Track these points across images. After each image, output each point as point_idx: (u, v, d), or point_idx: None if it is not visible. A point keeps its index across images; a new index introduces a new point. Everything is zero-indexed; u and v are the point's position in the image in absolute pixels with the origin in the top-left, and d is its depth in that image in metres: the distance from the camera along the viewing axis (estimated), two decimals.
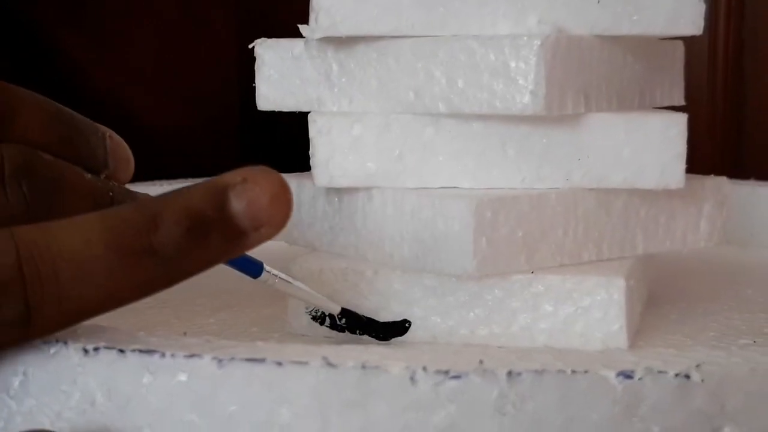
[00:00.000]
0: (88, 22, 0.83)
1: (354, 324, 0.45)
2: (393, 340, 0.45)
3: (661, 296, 0.52)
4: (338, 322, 0.45)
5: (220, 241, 0.33)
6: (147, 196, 0.40)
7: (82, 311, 0.33)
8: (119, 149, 0.42)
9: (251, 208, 0.33)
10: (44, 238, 0.32)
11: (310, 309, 0.46)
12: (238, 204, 0.33)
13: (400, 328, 0.45)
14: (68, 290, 0.32)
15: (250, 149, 0.90)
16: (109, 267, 0.32)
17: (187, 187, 0.33)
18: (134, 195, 0.42)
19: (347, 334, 0.45)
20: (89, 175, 0.40)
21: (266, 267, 0.42)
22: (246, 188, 0.33)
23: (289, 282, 0.43)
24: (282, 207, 0.33)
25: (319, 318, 0.45)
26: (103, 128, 0.42)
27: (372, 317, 0.45)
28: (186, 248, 0.33)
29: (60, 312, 0.32)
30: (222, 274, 0.61)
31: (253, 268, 0.42)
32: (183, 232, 0.32)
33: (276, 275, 0.43)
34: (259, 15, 0.88)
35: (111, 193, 0.40)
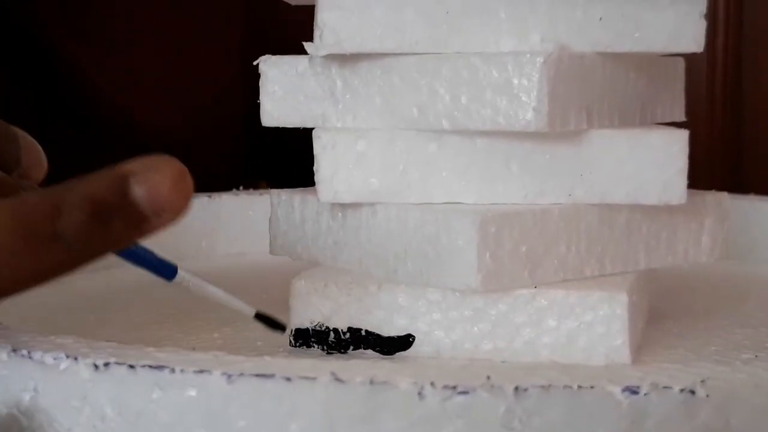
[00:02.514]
0: (94, 31, 0.84)
1: (358, 340, 0.45)
2: (397, 354, 0.45)
3: (663, 311, 0.52)
4: (342, 337, 0.46)
5: (122, 226, 0.34)
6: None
7: None
8: (32, 150, 0.43)
9: (152, 194, 0.34)
10: None
11: (315, 324, 0.46)
12: (139, 190, 0.34)
13: (404, 342, 0.45)
14: None
15: (254, 163, 0.90)
16: (15, 252, 0.33)
17: (91, 175, 0.34)
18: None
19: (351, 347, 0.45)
20: (1, 173, 0.41)
21: (180, 270, 0.43)
22: (147, 175, 0.34)
23: (204, 286, 0.44)
24: (182, 192, 0.34)
25: (323, 334, 0.46)
26: (15, 129, 0.43)
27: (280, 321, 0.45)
28: (89, 233, 0.34)
29: None
30: (225, 287, 0.61)
31: (167, 271, 0.43)
32: (86, 218, 0.33)
33: (189, 279, 0.43)
34: (265, 28, 0.89)
35: (22, 191, 0.41)
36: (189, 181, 0.34)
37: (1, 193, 0.39)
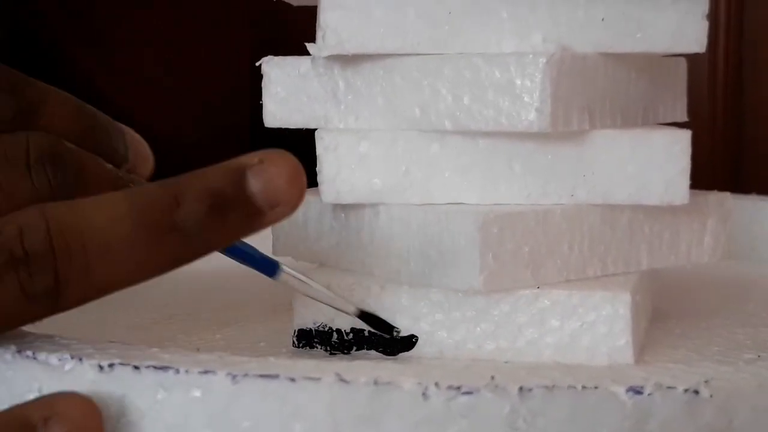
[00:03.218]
0: (98, 34, 0.84)
1: (361, 341, 0.45)
2: (400, 355, 0.45)
3: (665, 311, 0.52)
4: (345, 338, 0.46)
5: (239, 218, 0.35)
6: None
7: (109, 285, 0.34)
8: (139, 146, 0.44)
9: (268, 188, 0.34)
10: (73, 214, 0.34)
11: (318, 325, 0.46)
12: (255, 183, 0.34)
13: (407, 343, 0.46)
14: (96, 264, 0.33)
15: None
16: (135, 243, 0.34)
17: (208, 168, 0.35)
18: None
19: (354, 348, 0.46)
20: (110, 166, 0.41)
21: (283, 266, 0.43)
22: (263, 168, 0.34)
23: (306, 282, 0.44)
24: (297, 187, 0.35)
25: (326, 335, 0.46)
26: (123, 126, 0.43)
27: (389, 322, 0.45)
28: (206, 225, 0.34)
29: (88, 285, 0.34)
30: (226, 288, 0.62)
31: (270, 268, 0.43)
32: (204, 210, 0.34)
33: (293, 275, 0.43)
34: (274, 30, 0.89)
35: (131, 185, 0.41)
36: (303, 175, 0.35)
37: (113, 189, 0.39)
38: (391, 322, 0.45)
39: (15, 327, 0.35)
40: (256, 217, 0.35)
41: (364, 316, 0.45)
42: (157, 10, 0.88)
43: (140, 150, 0.44)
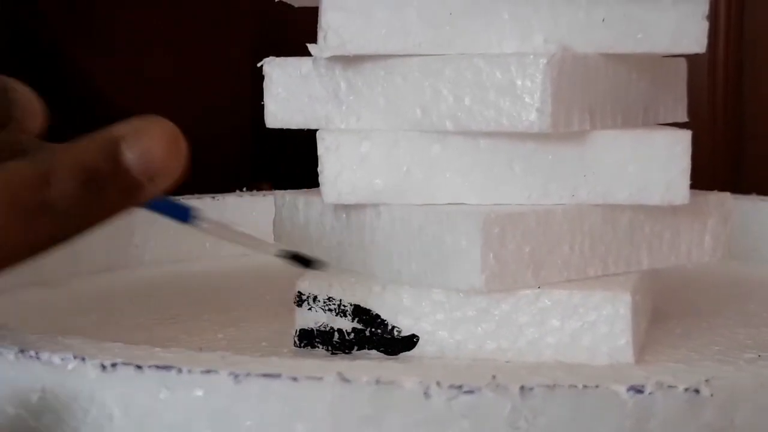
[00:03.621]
0: (100, 34, 0.84)
1: (362, 340, 0.45)
2: (401, 354, 0.46)
3: (666, 311, 0.53)
4: (347, 337, 0.46)
5: (115, 193, 0.33)
6: (51, 146, 0.38)
7: None
8: (27, 101, 0.41)
9: (145, 159, 0.33)
10: None
11: (319, 324, 0.46)
12: (131, 155, 0.32)
13: (408, 342, 0.46)
14: None
15: (261, 165, 0.90)
16: (4, 224, 0.32)
17: (80, 140, 0.33)
18: (45, 146, 0.39)
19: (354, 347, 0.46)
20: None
21: (196, 211, 0.41)
22: (138, 139, 0.33)
23: (222, 225, 0.42)
24: (176, 156, 0.33)
25: (327, 334, 0.46)
26: (7, 80, 0.41)
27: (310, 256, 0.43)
28: (81, 202, 0.33)
29: None
30: (228, 288, 0.62)
31: (182, 213, 0.40)
32: (77, 186, 0.32)
33: (208, 219, 0.41)
34: (275, 31, 0.89)
35: (20, 146, 0.38)
36: (182, 142, 0.33)
37: None
38: (312, 261, 0.43)
39: None
40: (134, 190, 0.33)
41: (285, 254, 0.43)
42: (159, 11, 0.88)
43: (28, 106, 0.40)
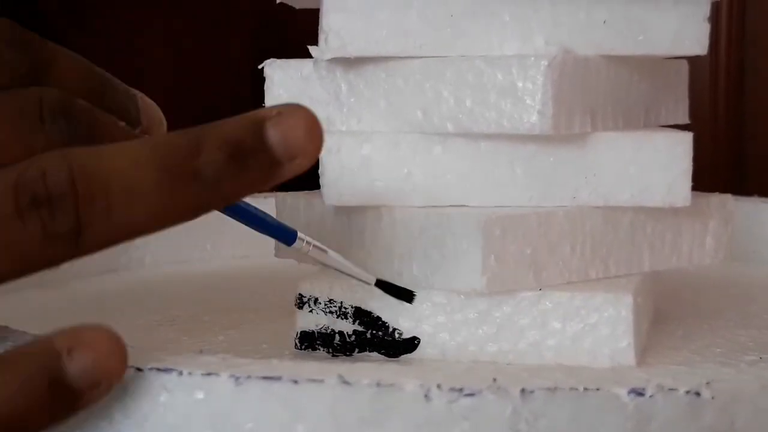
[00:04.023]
0: (102, 36, 0.84)
1: (363, 342, 0.45)
2: (402, 357, 0.46)
3: (667, 312, 0.53)
4: (348, 340, 0.46)
5: (258, 168, 0.35)
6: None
7: (129, 229, 0.34)
8: (151, 109, 0.44)
9: (287, 139, 0.35)
10: (95, 158, 0.34)
11: (320, 327, 0.46)
12: (274, 134, 0.34)
13: (409, 344, 0.46)
14: (117, 207, 0.33)
15: None
16: (156, 187, 0.34)
17: (227, 119, 0.35)
18: None
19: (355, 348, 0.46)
20: (123, 124, 0.41)
21: (300, 234, 0.44)
22: (281, 120, 0.35)
23: (324, 251, 0.44)
24: (315, 139, 0.35)
25: (328, 337, 0.46)
26: (135, 90, 0.44)
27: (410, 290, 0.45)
28: (226, 173, 0.34)
29: (109, 228, 0.34)
30: (229, 290, 0.62)
31: (288, 236, 0.43)
32: (224, 158, 0.34)
33: (310, 242, 0.44)
34: (276, 33, 0.89)
35: None
36: (321, 127, 0.35)
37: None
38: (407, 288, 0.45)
39: (35, 271, 0.35)
40: (275, 168, 0.35)
41: (382, 284, 0.45)
42: (160, 13, 0.88)
43: (153, 113, 0.44)
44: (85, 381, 0.32)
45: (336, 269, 0.44)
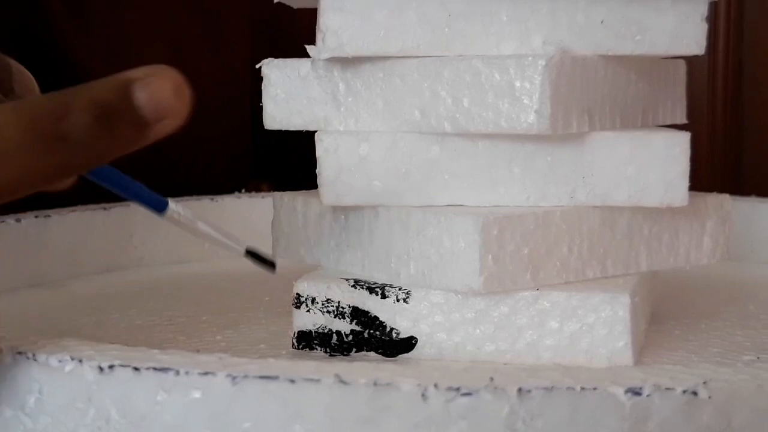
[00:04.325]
0: (103, 36, 0.84)
1: (360, 342, 0.45)
2: (399, 356, 0.46)
3: (665, 312, 0.53)
4: (345, 339, 0.46)
5: (126, 129, 0.35)
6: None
7: None
8: (24, 78, 0.44)
9: (154, 100, 0.35)
10: None
11: (317, 326, 0.46)
12: (142, 95, 0.35)
13: (406, 344, 0.46)
14: None
15: (261, 167, 0.90)
16: (23, 149, 0.34)
17: (94, 81, 0.35)
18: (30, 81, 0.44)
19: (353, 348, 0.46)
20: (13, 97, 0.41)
21: (171, 204, 0.43)
22: (149, 81, 0.35)
23: (196, 221, 0.44)
24: (182, 99, 0.35)
25: (326, 336, 0.46)
26: (7, 58, 0.43)
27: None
28: (94, 135, 0.34)
29: None
30: (226, 290, 0.62)
31: (158, 204, 0.43)
32: (91, 120, 0.34)
33: (180, 213, 0.43)
34: (274, 33, 0.89)
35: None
36: (188, 89, 0.35)
37: None
38: (272, 259, 0.45)
39: None
40: (143, 128, 0.35)
41: (252, 254, 0.45)
42: (158, 12, 0.88)
43: (27, 82, 0.44)
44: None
45: (208, 239, 0.44)
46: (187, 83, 0.35)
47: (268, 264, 0.45)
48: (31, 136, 0.34)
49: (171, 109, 0.35)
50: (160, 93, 0.35)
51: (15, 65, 0.44)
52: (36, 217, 0.62)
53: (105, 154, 0.35)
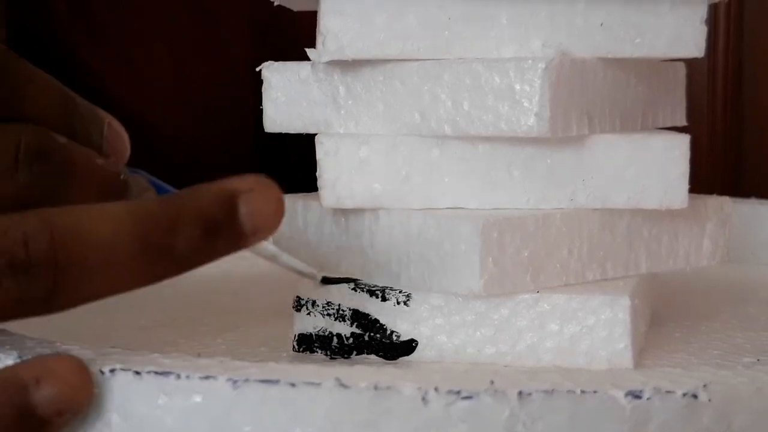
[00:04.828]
0: (106, 37, 0.84)
1: (361, 345, 0.46)
2: (400, 359, 0.46)
3: (665, 315, 0.53)
4: (345, 342, 0.46)
5: (225, 242, 0.36)
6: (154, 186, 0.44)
7: (102, 293, 0.35)
8: (116, 139, 0.44)
9: (256, 216, 0.36)
10: (76, 223, 0.34)
11: (318, 329, 0.46)
12: (245, 210, 0.35)
13: (406, 347, 0.46)
14: (93, 275, 0.34)
15: (263, 169, 0.90)
16: (133, 258, 0.34)
17: (202, 189, 0.36)
18: (143, 183, 0.44)
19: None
20: (100, 159, 0.41)
21: None
22: (253, 197, 0.36)
23: (272, 251, 0.45)
24: (278, 217, 0.36)
25: (326, 339, 0.46)
26: (103, 114, 0.44)
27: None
28: (199, 248, 0.35)
29: (81, 294, 0.34)
30: (227, 293, 0.62)
31: None
32: (199, 234, 0.35)
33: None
34: (276, 35, 0.89)
35: (122, 176, 0.42)
36: (284, 205, 0.36)
37: (101, 183, 0.41)
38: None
39: (2, 321, 0.35)
40: (240, 240, 0.36)
41: (328, 280, 0.46)
42: (160, 15, 0.88)
43: (117, 144, 0.44)
44: (52, 410, 0.33)
45: (275, 262, 0.45)
46: (282, 197, 0.36)
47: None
48: (143, 247, 0.34)
49: (268, 226, 0.36)
50: (262, 209, 0.36)
51: (109, 120, 0.44)
52: None
53: (202, 263, 0.36)
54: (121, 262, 0.34)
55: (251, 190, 0.36)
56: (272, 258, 0.45)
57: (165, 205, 0.35)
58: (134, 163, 0.45)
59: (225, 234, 0.35)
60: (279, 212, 0.36)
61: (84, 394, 0.33)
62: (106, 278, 0.34)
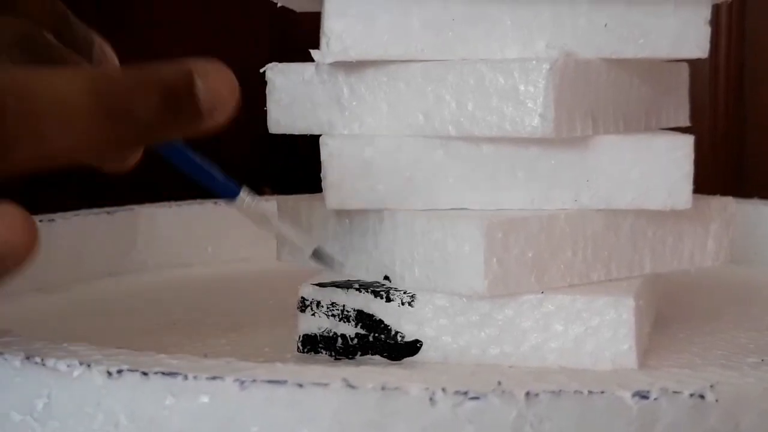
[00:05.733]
0: (117, 39, 0.84)
1: (365, 346, 0.46)
2: (404, 360, 0.46)
3: (669, 315, 0.53)
4: (350, 343, 0.46)
5: (183, 117, 0.36)
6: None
7: (57, 153, 0.34)
8: (106, 56, 0.45)
9: (212, 92, 0.36)
10: (33, 77, 0.33)
11: (323, 330, 0.46)
12: (201, 86, 0.36)
13: (411, 347, 0.46)
14: (47, 131, 0.33)
15: (264, 170, 0.90)
16: (90, 118, 0.34)
17: (158, 63, 0.36)
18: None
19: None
20: (89, 66, 0.42)
21: (242, 193, 0.44)
22: (209, 75, 0.36)
23: (266, 212, 0.45)
24: (233, 98, 0.37)
25: (331, 340, 0.46)
26: (95, 34, 0.44)
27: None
28: (157, 116, 0.35)
29: (35, 151, 0.33)
30: (231, 293, 0.62)
31: (230, 191, 0.44)
32: (158, 101, 0.35)
33: (250, 203, 0.45)
34: (291, 35, 0.89)
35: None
36: (238, 88, 0.36)
37: None
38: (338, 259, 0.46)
39: None
40: (196, 119, 0.36)
41: (318, 254, 0.46)
42: (171, 16, 0.88)
43: (106, 55, 0.44)
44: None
45: (274, 232, 0.46)
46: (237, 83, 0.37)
47: (333, 263, 0.46)
48: (100, 106, 0.34)
49: (223, 105, 0.36)
50: (218, 88, 0.36)
51: (99, 41, 0.44)
52: (40, 221, 0.62)
53: (160, 137, 0.36)
54: (77, 117, 0.33)
55: (206, 67, 0.36)
56: (263, 220, 0.45)
57: (124, 70, 0.35)
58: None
59: (183, 107, 0.35)
60: (233, 93, 0.36)
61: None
62: (61, 134, 0.33)
